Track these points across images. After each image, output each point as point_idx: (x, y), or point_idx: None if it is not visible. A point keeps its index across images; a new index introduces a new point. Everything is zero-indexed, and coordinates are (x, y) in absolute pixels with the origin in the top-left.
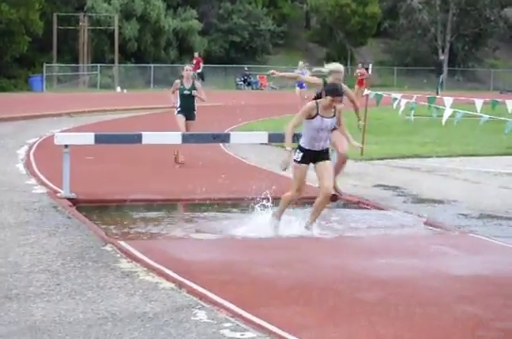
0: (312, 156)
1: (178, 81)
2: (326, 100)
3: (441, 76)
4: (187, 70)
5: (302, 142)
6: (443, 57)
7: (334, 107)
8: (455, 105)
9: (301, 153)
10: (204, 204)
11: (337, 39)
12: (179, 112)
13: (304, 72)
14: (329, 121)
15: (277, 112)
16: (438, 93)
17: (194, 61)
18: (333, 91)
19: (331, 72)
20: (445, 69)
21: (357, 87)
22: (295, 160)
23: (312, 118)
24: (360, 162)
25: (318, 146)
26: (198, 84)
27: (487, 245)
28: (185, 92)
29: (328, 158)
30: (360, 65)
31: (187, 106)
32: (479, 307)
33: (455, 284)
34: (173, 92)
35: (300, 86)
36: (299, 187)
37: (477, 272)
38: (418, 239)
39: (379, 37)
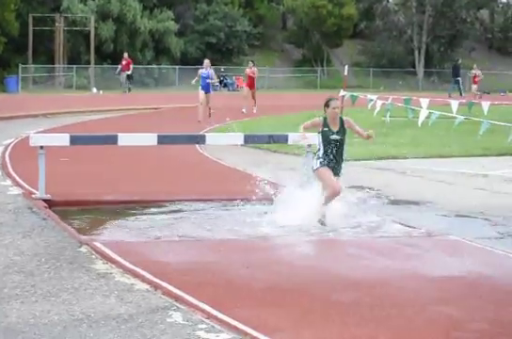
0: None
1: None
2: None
3: (460, 79)
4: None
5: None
6: (460, 61)
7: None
8: (431, 107)
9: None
10: (180, 205)
11: (313, 40)
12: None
13: (209, 71)
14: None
15: (253, 113)
16: (461, 94)
17: (124, 62)
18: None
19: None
20: (421, 70)
21: None
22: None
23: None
24: None
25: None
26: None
27: (462, 246)
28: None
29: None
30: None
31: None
32: (455, 308)
33: (430, 285)
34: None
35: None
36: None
37: (453, 273)
38: (393, 241)
39: (355, 38)
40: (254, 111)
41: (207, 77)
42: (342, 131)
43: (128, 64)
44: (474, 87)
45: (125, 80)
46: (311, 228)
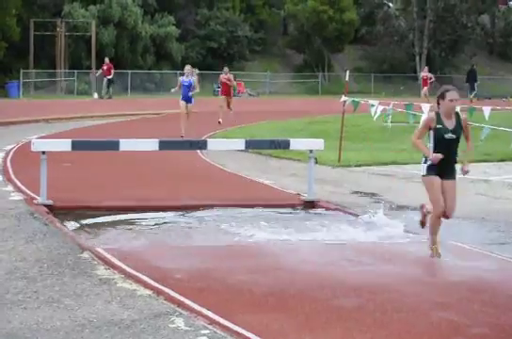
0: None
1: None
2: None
3: (476, 84)
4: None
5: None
6: (475, 66)
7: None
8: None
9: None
10: (182, 211)
11: (314, 45)
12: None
13: (191, 79)
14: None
15: (254, 119)
16: (476, 98)
17: (105, 67)
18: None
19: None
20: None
21: None
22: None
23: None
24: (337, 169)
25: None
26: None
27: (463, 251)
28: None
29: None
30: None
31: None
32: (456, 313)
33: (431, 291)
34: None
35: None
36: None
37: (454, 278)
38: (394, 246)
39: (356, 43)
40: (232, 118)
41: (189, 86)
42: (458, 129)
43: (109, 69)
44: (424, 89)
45: (106, 85)
46: (310, 232)
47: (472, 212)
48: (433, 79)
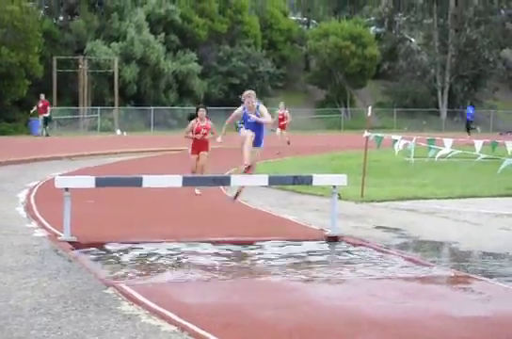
0: None
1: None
2: None
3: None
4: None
5: None
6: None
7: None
8: (455, 147)
9: None
10: (207, 246)
11: (336, 80)
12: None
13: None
14: None
15: (276, 155)
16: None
17: (40, 104)
18: None
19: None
20: (444, 110)
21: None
22: None
23: None
24: (360, 204)
25: None
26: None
27: (488, 286)
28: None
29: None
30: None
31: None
32: None
33: (456, 326)
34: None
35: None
36: None
37: (479, 313)
38: (418, 280)
39: (378, 78)
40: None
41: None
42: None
43: (45, 106)
44: (279, 131)
45: (42, 124)
46: (335, 267)
47: (497, 247)
48: (290, 119)
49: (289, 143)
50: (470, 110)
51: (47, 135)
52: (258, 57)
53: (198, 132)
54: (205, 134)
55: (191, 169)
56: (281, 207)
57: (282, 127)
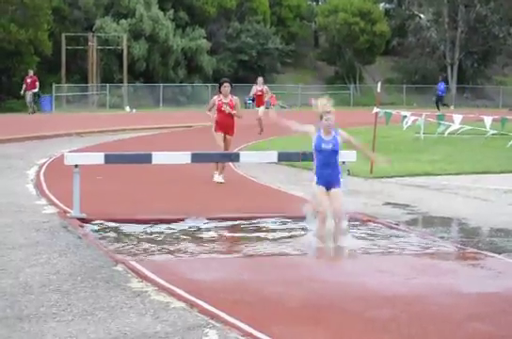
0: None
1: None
2: None
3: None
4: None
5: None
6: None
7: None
8: (464, 122)
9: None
10: (215, 223)
11: (345, 57)
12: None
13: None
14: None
15: (285, 131)
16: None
17: (28, 80)
18: None
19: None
20: (454, 86)
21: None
22: None
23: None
24: (369, 180)
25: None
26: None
27: (497, 262)
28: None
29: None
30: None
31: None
32: (491, 324)
33: (466, 302)
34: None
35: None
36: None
37: (488, 289)
38: (428, 256)
39: (388, 55)
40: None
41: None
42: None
43: (34, 82)
44: (261, 109)
45: (31, 100)
46: (343, 244)
47: (506, 223)
48: (270, 94)
49: (261, 132)
50: (441, 86)
51: (34, 112)
52: (267, 34)
53: (219, 109)
54: (229, 112)
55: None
56: (290, 184)
57: (263, 103)
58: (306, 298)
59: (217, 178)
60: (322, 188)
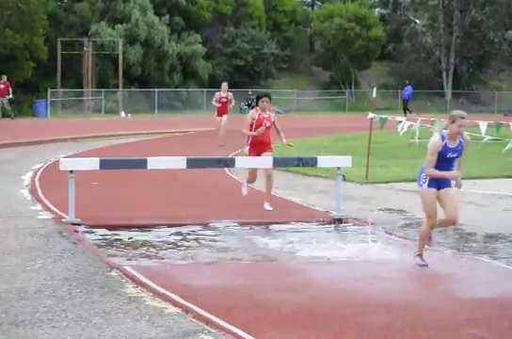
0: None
1: None
2: None
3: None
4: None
5: None
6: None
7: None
8: None
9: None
10: (210, 229)
11: (341, 62)
12: None
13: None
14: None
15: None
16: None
17: (1, 86)
18: None
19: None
20: (449, 91)
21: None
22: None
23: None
24: (364, 185)
25: None
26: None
27: (491, 267)
28: None
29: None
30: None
31: None
32: (485, 330)
33: (461, 307)
34: None
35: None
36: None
37: (483, 295)
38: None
39: (383, 60)
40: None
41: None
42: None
43: (7, 88)
44: (224, 118)
45: (7, 106)
46: (338, 250)
47: (500, 228)
48: (233, 102)
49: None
50: (407, 90)
51: (13, 116)
52: (262, 39)
53: (258, 125)
54: (268, 128)
55: (250, 179)
56: (286, 189)
57: (226, 112)
58: (300, 304)
59: (267, 206)
60: (433, 191)
